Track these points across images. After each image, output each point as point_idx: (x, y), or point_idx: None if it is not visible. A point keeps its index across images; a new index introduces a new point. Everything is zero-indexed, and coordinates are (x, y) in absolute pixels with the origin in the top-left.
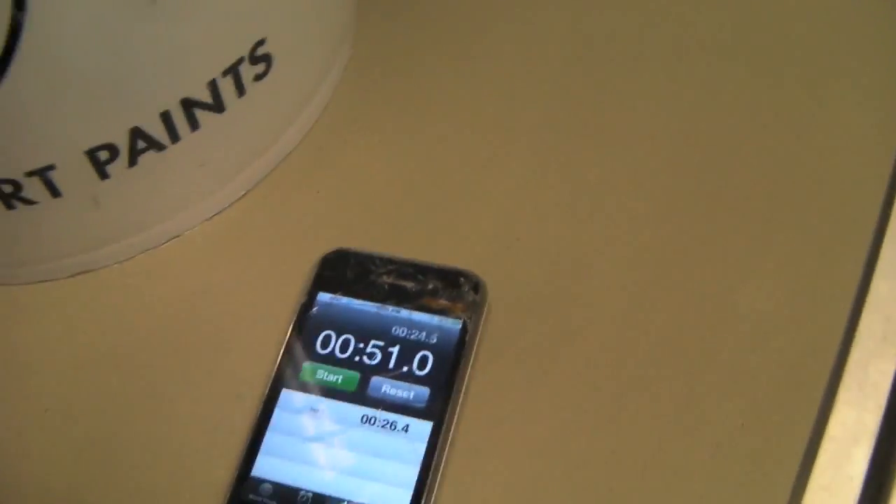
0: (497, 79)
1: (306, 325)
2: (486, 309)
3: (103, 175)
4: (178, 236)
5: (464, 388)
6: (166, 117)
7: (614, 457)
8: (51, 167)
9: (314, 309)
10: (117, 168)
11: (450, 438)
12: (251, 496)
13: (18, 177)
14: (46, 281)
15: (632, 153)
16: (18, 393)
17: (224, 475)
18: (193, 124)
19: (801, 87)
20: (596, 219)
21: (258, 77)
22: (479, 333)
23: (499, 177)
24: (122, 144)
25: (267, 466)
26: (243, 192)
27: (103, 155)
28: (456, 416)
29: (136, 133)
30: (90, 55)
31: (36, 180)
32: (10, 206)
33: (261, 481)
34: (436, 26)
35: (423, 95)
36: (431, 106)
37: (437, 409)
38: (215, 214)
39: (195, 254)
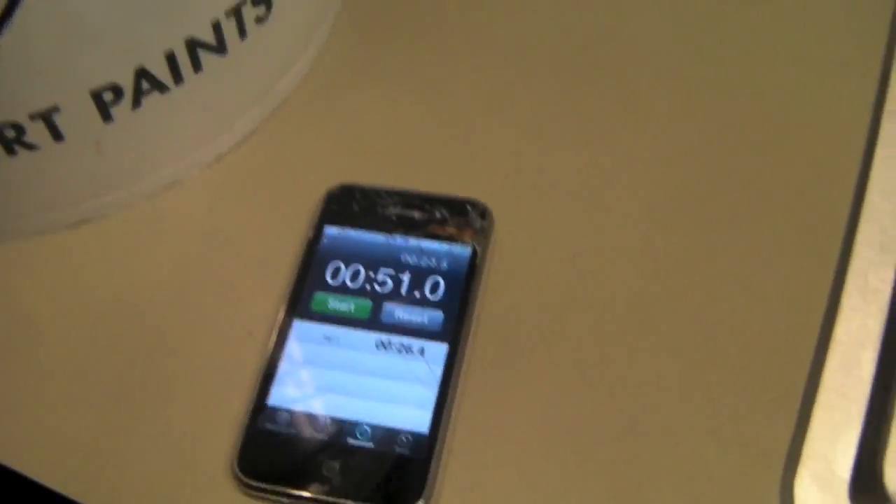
0: (499, 10)
1: (315, 257)
2: (493, 235)
3: (107, 117)
4: (179, 182)
5: (476, 310)
6: (171, 58)
7: (627, 368)
8: (55, 109)
9: (322, 242)
10: (121, 110)
11: (465, 359)
12: (268, 425)
13: (22, 119)
14: (46, 233)
15: (634, 90)
16: (25, 346)
17: (240, 408)
18: (197, 66)
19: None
20: (598, 147)
21: (259, 19)
22: (487, 258)
23: (499, 109)
24: (127, 85)
25: (283, 395)
26: (244, 136)
27: (108, 96)
28: (470, 338)
29: (141, 73)
30: None
31: (39, 123)
32: (11, 152)
33: (277, 410)
34: None
35: (421, 31)
36: (430, 41)
37: (452, 331)
38: (216, 159)
39: (198, 199)
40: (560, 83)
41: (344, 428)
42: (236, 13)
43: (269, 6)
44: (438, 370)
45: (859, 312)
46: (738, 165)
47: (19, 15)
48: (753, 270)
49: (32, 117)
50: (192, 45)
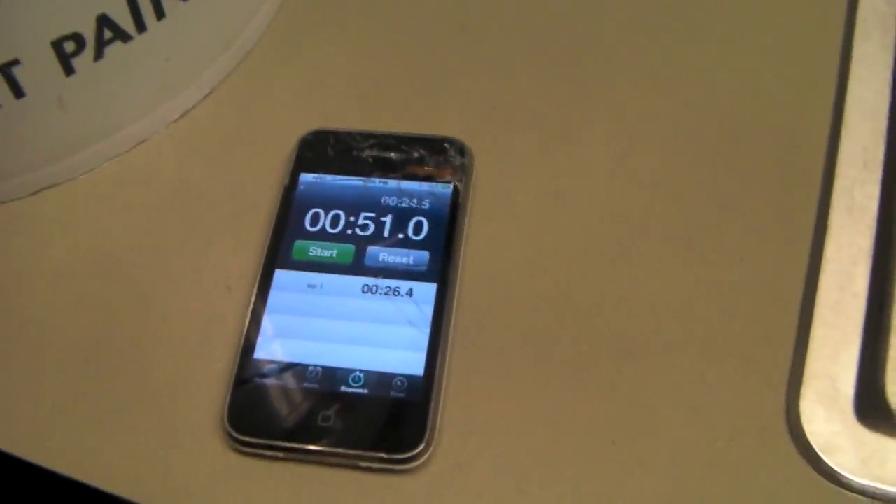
0: None
1: (292, 205)
2: (473, 172)
3: (69, 70)
4: (146, 140)
5: (462, 248)
6: (133, 4)
7: (620, 293)
8: (14, 62)
9: (298, 189)
10: (83, 62)
11: (455, 298)
12: (257, 378)
13: None
14: (9, 200)
15: (613, 25)
16: None
17: (224, 367)
18: (159, 12)
19: None
20: (574, 80)
21: None
22: (470, 195)
23: (469, 44)
24: (89, 34)
25: (270, 347)
26: (210, 89)
27: (69, 46)
28: (459, 276)
29: (103, 21)
30: None
31: None
32: None
33: (265, 362)
34: None
35: None
36: None
37: (440, 271)
38: (183, 114)
39: (165, 156)
40: (534, 18)
41: (336, 376)
42: None
43: None
44: (429, 310)
45: (848, 230)
46: (716, 90)
47: None
48: (739, 196)
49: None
50: None
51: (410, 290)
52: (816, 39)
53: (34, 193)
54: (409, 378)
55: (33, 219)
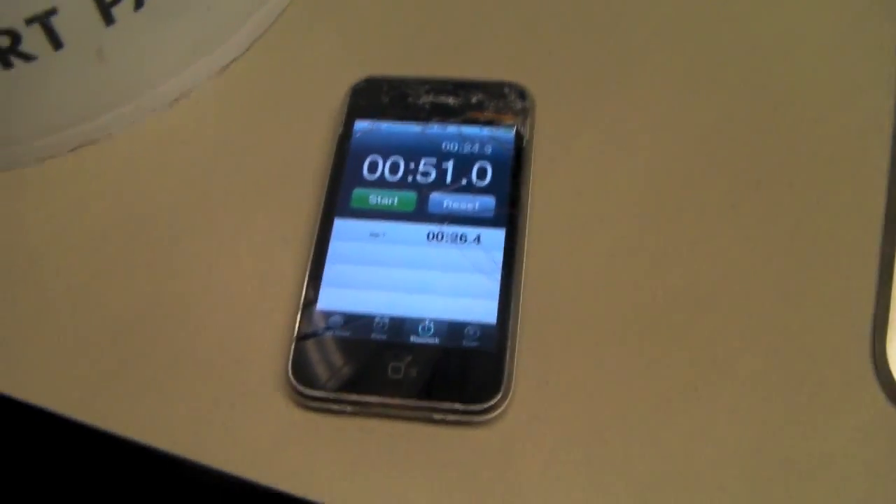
0: None
1: (348, 153)
2: (534, 116)
3: (108, 19)
4: (187, 94)
5: (529, 194)
6: None
7: (695, 241)
8: (52, 11)
9: (354, 137)
10: (123, 11)
11: (525, 244)
12: (321, 331)
13: (18, 25)
14: (48, 158)
15: None
16: (38, 279)
17: (286, 320)
18: None
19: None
20: (627, 30)
21: None
22: (533, 139)
23: None
24: None
25: (333, 298)
26: (253, 39)
27: None
28: (527, 222)
29: None
30: None
31: (37, 29)
32: (7, 64)
33: (330, 314)
34: None
35: None
36: None
37: (507, 216)
38: (225, 67)
39: (208, 111)
40: None
41: (405, 326)
42: None
43: None
44: (499, 257)
45: None
46: (784, 103)
47: None
48: (812, 146)
49: (29, 22)
50: None
51: (478, 236)
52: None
53: (73, 150)
54: (482, 326)
55: (73, 176)
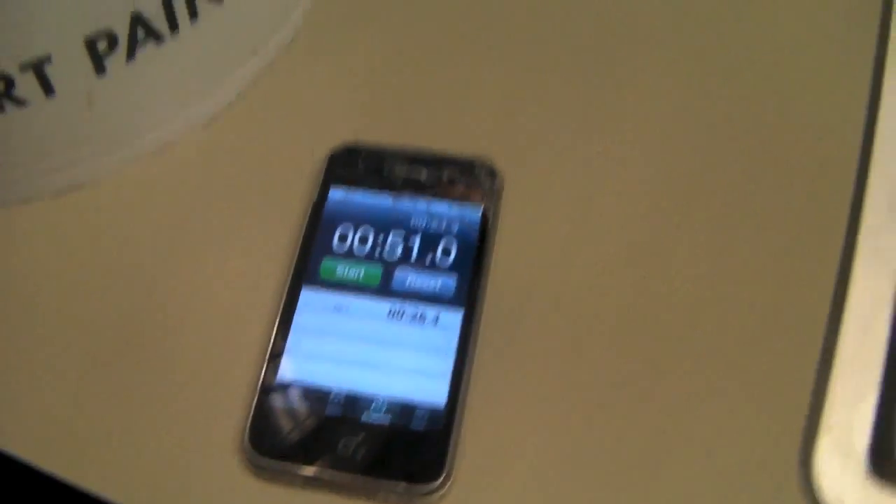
0: None
1: (320, 221)
2: (503, 195)
3: (100, 69)
4: (172, 144)
5: (490, 274)
6: (167, 3)
7: (642, 334)
8: (47, 59)
9: (327, 205)
10: (115, 61)
11: (480, 326)
12: (278, 401)
13: (12, 70)
14: (34, 200)
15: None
16: (14, 320)
17: (247, 385)
18: (193, 13)
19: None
20: (609, 105)
21: None
22: (499, 218)
23: (504, 61)
24: (122, 33)
25: (293, 368)
26: (238, 94)
27: (102, 45)
28: (485, 303)
29: (137, 20)
30: None
31: (30, 75)
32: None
33: (288, 384)
34: None
35: None
36: None
37: (466, 297)
38: (210, 120)
39: (192, 162)
40: (572, 41)
41: (359, 403)
42: None
43: None
44: (454, 339)
45: (872, 276)
46: (743, 129)
47: None
48: (764, 237)
49: (23, 68)
50: None
51: (437, 317)
52: (847, 81)
53: (59, 194)
54: (432, 408)
55: (57, 220)
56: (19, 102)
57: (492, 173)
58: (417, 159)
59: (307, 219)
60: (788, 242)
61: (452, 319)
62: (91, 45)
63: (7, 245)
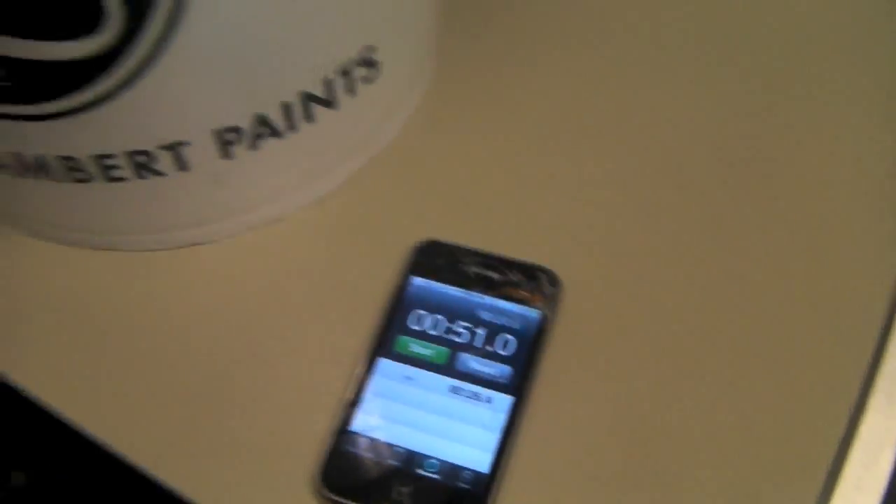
0: (574, 84)
1: (401, 303)
2: (561, 301)
3: (226, 155)
4: (283, 219)
5: (541, 368)
6: (287, 107)
7: (668, 436)
8: (184, 143)
9: (408, 290)
10: (239, 149)
11: (527, 410)
12: (349, 448)
13: (154, 149)
14: (163, 249)
15: (695, 159)
16: (124, 349)
17: (323, 429)
18: (309, 116)
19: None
20: (663, 223)
21: (366, 79)
22: (555, 322)
23: (576, 178)
24: (247, 128)
25: (365, 423)
26: (343, 182)
27: (230, 136)
28: (533, 392)
29: (260, 119)
30: (234, 46)
31: (168, 153)
32: (140, 176)
33: (359, 434)
34: (513, 38)
35: (504, 100)
36: (512, 109)
37: (518, 386)
38: (317, 202)
39: (297, 235)
40: (647, 162)
41: (415, 459)
42: (346, 73)
43: (376, 67)
44: (503, 419)
45: (884, 415)
46: (776, 252)
47: (167, 60)
48: (788, 356)
49: (163, 147)
50: (306, 98)
51: (490, 398)
52: (880, 203)
53: (179, 248)
54: (477, 472)
55: (175, 270)
56: (158, 173)
57: (553, 281)
58: (490, 260)
59: (390, 300)
60: (811, 368)
61: (504, 402)
62: (220, 135)
63: (134, 285)
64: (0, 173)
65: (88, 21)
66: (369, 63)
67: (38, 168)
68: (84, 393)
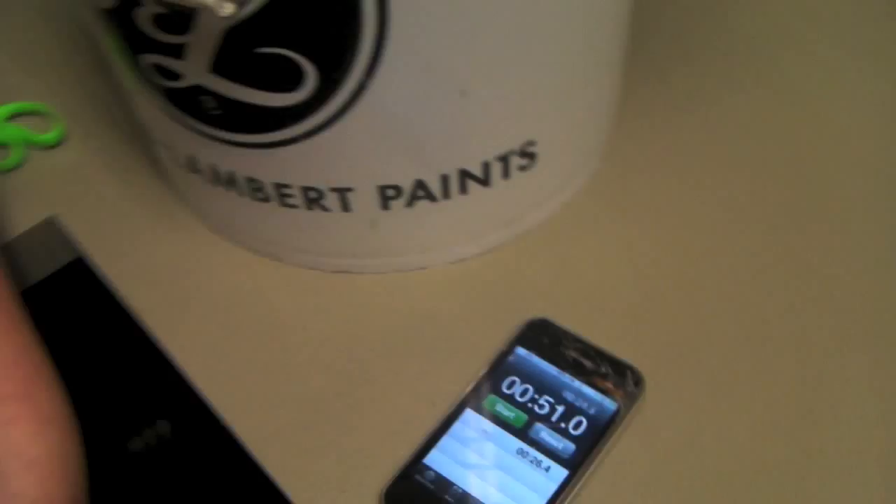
0: (716, 198)
1: (501, 367)
2: (641, 400)
3: (385, 206)
4: (425, 268)
5: (602, 455)
6: (444, 178)
7: None
8: (350, 189)
9: (510, 357)
10: (397, 204)
11: (578, 488)
12: (416, 476)
13: (325, 188)
14: (316, 269)
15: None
16: (263, 345)
17: (402, 455)
18: (463, 190)
19: None
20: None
21: (523, 168)
22: (627, 416)
23: (698, 290)
24: (406, 188)
25: (436, 459)
26: (484, 250)
27: (391, 192)
28: (588, 474)
29: (419, 183)
30: (405, 123)
31: (335, 195)
32: (309, 207)
33: (427, 468)
34: (685, 140)
35: (654, 204)
36: (658, 214)
37: (576, 462)
38: (458, 260)
39: (433, 284)
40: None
41: (469, 500)
42: (504, 159)
43: (533, 159)
44: (553, 487)
45: None
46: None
47: (344, 122)
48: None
49: (332, 189)
50: (464, 174)
51: (549, 467)
52: None
53: (333, 272)
54: None
55: (323, 289)
56: (324, 208)
57: (637, 381)
58: (588, 349)
59: (493, 361)
60: None
61: (559, 474)
62: (382, 189)
63: (287, 293)
64: (198, 178)
65: (292, 81)
66: (527, 155)
67: (228, 181)
68: (223, 379)
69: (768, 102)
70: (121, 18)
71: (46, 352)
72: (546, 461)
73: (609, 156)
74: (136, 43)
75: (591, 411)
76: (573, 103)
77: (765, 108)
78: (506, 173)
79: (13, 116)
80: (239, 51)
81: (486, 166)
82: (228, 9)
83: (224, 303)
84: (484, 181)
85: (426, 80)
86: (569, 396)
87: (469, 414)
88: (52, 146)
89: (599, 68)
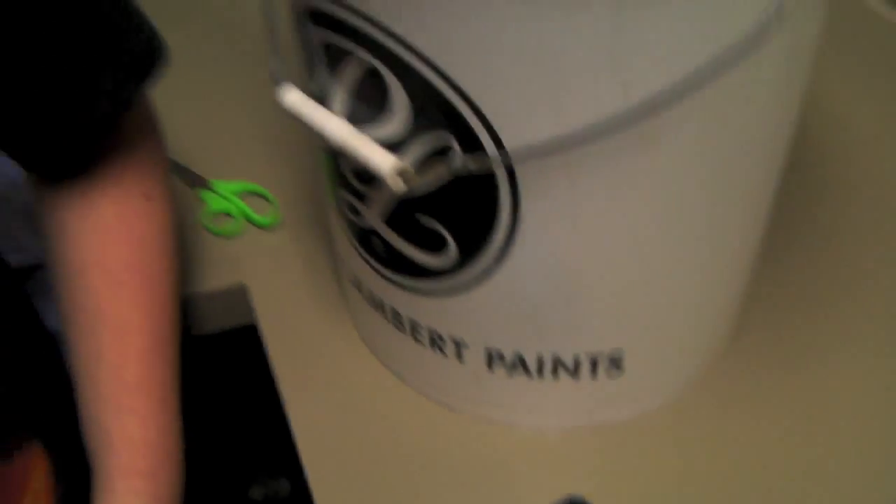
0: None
1: None
2: None
3: (489, 367)
4: (546, 430)
5: None
6: (540, 359)
7: None
8: (464, 345)
9: None
10: (499, 368)
11: None
12: None
13: (446, 335)
14: (448, 407)
15: None
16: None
17: None
18: (555, 374)
19: None
20: None
21: (609, 374)
22: None
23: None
24: (508, 358)
25: None
26: (566, 429)
27: (495, 356)
28: None
29: (519, 357)
30: (520, 307)
31: (453, 344)
32: (433, 350)
33: None
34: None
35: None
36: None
37: None
38: (566, 431)
39: (519, 441)
40: None
41: None
42: (593, 359)
43: (620, 368)
44: None
45: None
46: None
47: (471, 292)
48: None
49: (452, 339)
50: (556, 360)
51: None
52: None
53: (458, 412)
54: None
55: (434, 421)
56: (444, 354)
57: None
58: None
59: None
60: None
61: None
62: (489, 351)
63: (414, 420)
64: (357, 294)
65: (438, 247)
66: (615, 362)
67: (377, 305)
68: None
69: None
70: (334, 154)
71: (181, 421)
72: None
73: (705, 380)
74: (338, 179)
75: None
76: (670, 333)
77: None
78: (593, 371)
79: (241, 193)
80: (404, 213)
81: (577, 360)
82: (399, 186)
83: (361, 418)
84: (573, 372)
85: (545, 273)
86: None
87: None
88: (264, 227)
89: (713, 316)
